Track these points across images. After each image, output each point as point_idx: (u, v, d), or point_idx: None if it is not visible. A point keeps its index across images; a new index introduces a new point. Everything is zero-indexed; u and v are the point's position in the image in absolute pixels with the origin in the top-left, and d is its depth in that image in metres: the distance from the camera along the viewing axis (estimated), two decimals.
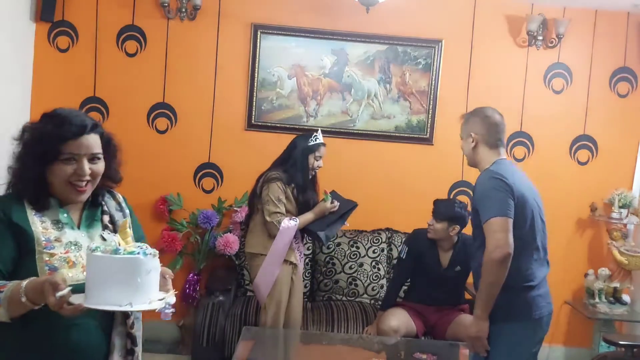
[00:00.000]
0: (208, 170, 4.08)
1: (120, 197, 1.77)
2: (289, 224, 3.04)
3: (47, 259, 1.47)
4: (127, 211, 1.75)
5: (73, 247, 1.53)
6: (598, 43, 4.12)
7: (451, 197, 4.10)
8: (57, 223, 1.55)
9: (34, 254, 1.47)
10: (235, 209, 3.95)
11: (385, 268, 3.89)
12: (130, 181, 4.33)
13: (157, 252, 1.44)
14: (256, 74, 4.00)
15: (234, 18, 4.00)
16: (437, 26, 4.08)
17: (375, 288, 3.84)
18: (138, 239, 1.73)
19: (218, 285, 3.54)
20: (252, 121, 4.04)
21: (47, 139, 1.51)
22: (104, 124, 4.34)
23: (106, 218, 1.66)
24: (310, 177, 3.20)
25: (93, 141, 1.57)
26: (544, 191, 4.11)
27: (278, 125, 4.05)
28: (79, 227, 1.60)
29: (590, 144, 4.18)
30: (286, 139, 4.03)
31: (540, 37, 4.03)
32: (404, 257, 3.41)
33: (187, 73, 4.02)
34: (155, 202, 3.96)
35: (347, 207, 3.25)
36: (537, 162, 4.15)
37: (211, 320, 3.28)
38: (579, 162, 4.19)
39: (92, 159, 1.56)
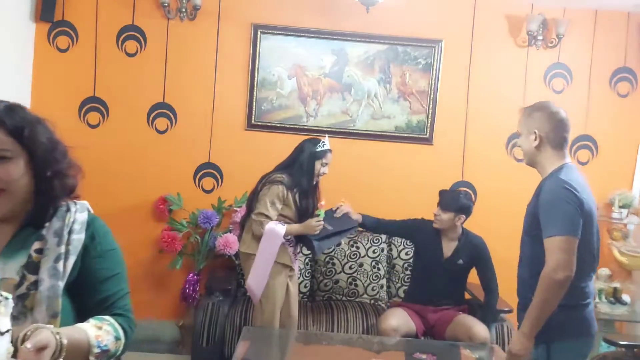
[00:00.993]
0: (208, 170, 4.08)
1: (78, 216, 1.30)
2: (275, 228, 3.01)
3: None
4: (79, 236, 1.28)
5: None
6: (598, 43, 4.12)
7: None
8: None
9: None
10: (235, 209, 3.95)
11: (385, 268, 3.89)
12: (130, 181, 4.35)
13: None
14: (256, 74, 4.00)
15: (234, 18, 4.00)
16: (437, 26, 4.08)
17: (375, 288, 3.83)
18: (105, 278, 1.31)
19: (218, 285, 3.54)
20: (252, 121, 4.04)
21: None
22: (104, 124, 4.38)
23: (36, 245, 1.24)
24: (314, 183, 3.18)
25: None
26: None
27: (278, 125, 4.05)
28: None
29: (591, 144, 4.18)
30: (286, 139, 4.05)
31: (540, 37, 4.03)
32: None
33: (187, 73, 4.02)
34: (155, 201, 3.96)
35: (346, 226, 3.24)
36: None
37: (211, 320, 3.28)
38: (580, 162, 4.18)
39: None
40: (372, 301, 3.82)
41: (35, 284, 1.21)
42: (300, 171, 3.09)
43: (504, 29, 4.10)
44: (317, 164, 3.13)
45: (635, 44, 4.12)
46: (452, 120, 4.13)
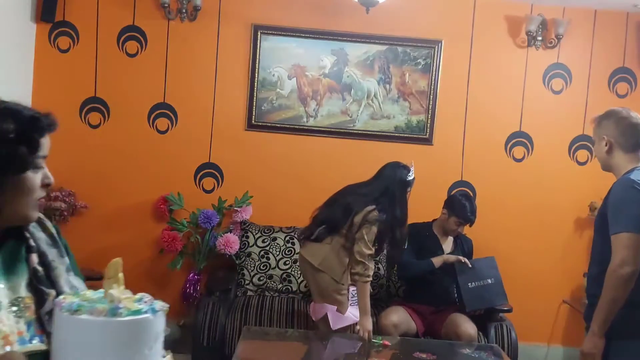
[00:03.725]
0: (208, 170, 4.10)
1: (50, 225, 1.24)
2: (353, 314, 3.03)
3: None
4: (63, 248, 1.23)
5: None
6: (597, 43, 4.13)
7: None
8: None
9: None
10: (235, 208, 3.96)
11: (384, 268, 3.90)
12: (131, 181, 4.36)
13: (167, 305, 1.02)
14: (256, 74, 4.02)
15: (234, 19, 4.01)
16: (436, 27, 4.09)
17: (375, 288, 3.84)
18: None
19: (218, 284, 3.55)
20: (252, 121, 4.05)
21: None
22: (105, 124, 4.42)
23: (35, 258, 1.14)
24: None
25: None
26: (543, 191, 4.18)
27: (278, 125, 4.06)
28: None
29: (590, 144, 4.19)
30: (286, 139, 4.07)
31: (539, 38, 4.04)
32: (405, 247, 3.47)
33: (187, 73, 4.03)
34: (156, 201, 3.98)
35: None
36: (537, 162, 4.16)
37: (211, 319, 3.30)
38: (578, 162, 4.20)
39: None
40: (372, 301, 3.82)
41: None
42: (393, 203, 3.00)
43: (503, 29, 4.11)
44: (408, 193, 3.09)
45: (634, 44, 4.13)
46: (452, 121, 4.14)
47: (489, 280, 3.36)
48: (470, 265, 3.36)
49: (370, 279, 2.98)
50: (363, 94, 4.08)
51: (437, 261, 3.39)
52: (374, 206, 2.96)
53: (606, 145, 2.27)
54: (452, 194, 3.76)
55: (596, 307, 2.15)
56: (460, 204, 3.44)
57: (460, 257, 3.40)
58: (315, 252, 3.04)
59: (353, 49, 4.04)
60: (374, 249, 2.99)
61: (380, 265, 3.88)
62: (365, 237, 2.93)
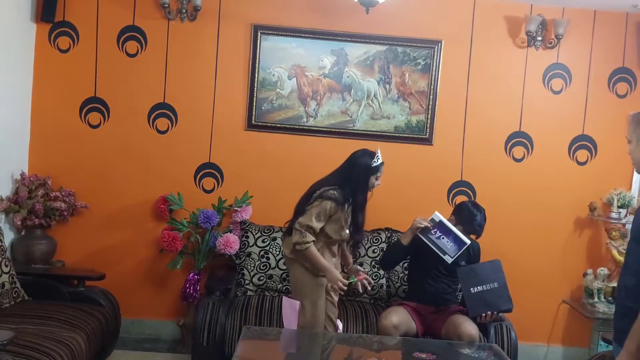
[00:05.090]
0: (208, 170, 4.10)
1: None
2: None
3: None
4: None
5: None
6: (597, 43, 4.13)
7: (451, 197, 4.13)
8: None
9: None
10: (235, 208, 3.97)
11: None
12: (131, 181, 4.36)
13: None
14: (256, 74, 4.02)
15: (234, 19, 4.01)
16: (436, 27, 4.09)
17: (375, 288, 3.84)
18: None
19: (218, 284, 3.55)
20: (252, 121, 4.06)
21: None
22: (105, 124, 4.42)
23: None
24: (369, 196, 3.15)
25: None
26: (543, 191, 4.18)
27: (278, 125, 4.07)
28: None
29: (589, 144, 4.19)
30: (286, 139, 4.08)
31: (539, 38, 4.04)
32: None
33: (187, 73, 4.04)
34: (156, 201, 3.98)
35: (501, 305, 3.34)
36: (536, 162, 4.17)
37: (211, 319, 3.30)
38: (578, 162, 4.20)
39: None
40: (372, 301, 3.84)
41: None
42: (355, 187, 3.04)
43: (503, 29, 4.11)
44: (372, 178, 3.08)
45: (633, 44, 4.13)
46: (452, 121, 4.15)
47: (493, 285, 3.29)
48: (431, 227, 3.29)
49: (310, 244, 2.96)
50: (363, 94, 4.08)
51: (405, 238, 3.35)
52: (334, 186, 3.02)
53: None
54: (464, 201, 3.69)
55: (632, 321, 1.90)
56: (470, 214, 3.39)
57: (420, 221, 3.30)
58: (288, 243, 3.09)
59: (353, 49, 4.05)
60: (318, 223, 2.97)
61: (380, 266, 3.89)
62: (313, 209, 2.97)
